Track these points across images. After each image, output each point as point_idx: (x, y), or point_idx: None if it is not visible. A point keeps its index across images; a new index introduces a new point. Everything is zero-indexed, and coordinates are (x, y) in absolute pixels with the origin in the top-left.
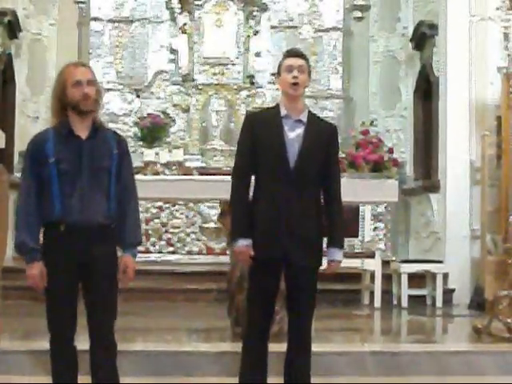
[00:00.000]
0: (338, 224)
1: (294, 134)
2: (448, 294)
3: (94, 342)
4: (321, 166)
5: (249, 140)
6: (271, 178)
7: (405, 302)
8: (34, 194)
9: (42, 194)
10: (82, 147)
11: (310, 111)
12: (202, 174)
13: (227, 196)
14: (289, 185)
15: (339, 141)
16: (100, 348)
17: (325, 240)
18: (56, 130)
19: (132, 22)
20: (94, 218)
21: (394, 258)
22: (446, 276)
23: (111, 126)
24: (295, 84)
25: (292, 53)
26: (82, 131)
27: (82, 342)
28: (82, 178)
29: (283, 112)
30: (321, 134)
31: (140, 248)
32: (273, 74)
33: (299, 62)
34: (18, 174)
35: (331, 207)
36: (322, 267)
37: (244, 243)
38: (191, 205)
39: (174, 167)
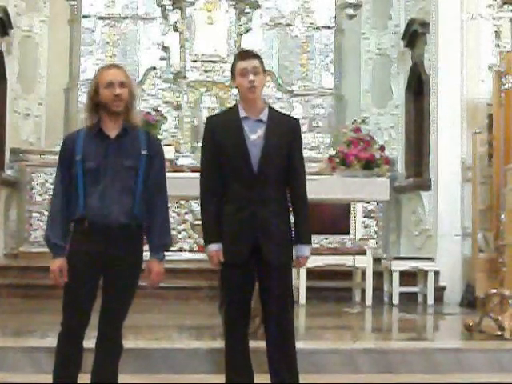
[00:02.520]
0: (305, 220)
1: (255, 136)
2: (439, 291)
3: (101, 340)
4: (285, 163)
5: (211, 145)
6: (236, 180)
7: (396, 300)
8: (61, 192)
9: (71, 190)
10: (109, 146)
11: (270, 108)
12: (193, 172)
13: None
14: (253, 186)
15: (331, 139)
16: (105, 347)
17: None
18: (87, 130)
19: (123, 19)
20: (115, 217)
21: (385, 256)
22: (437, 274)
23: None
24: (252, 87)
25: (244, 55)
26: (112, 130)
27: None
28: (106, 176)
29: (242, 113)
30: (282, 131)
31: None
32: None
33: (253, 63)
34: (9, 172)
35: (297, 203)
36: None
37: (214, 248)
38: (182, 202)
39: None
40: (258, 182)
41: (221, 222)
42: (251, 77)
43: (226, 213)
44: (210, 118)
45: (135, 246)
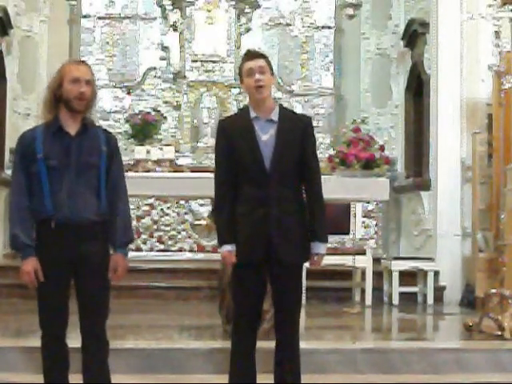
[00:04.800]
0: (320, 218)
1: (266, 136)
2: (439, 291)
3: (86, 340)
4: (298, 162)
5: (225, 147)
6: (249, 181)
7: (396, 300)
8: (24, 190)
9: (32, 190)
10: (71, 143)
11: (281, 107)
12: (193, 172)
13: None
14: (267, 186)
15: (331, 139)
16: (91, 346)
17: None
18: (45, 127)
19: (123, 19)
20: (84, 215)
21: (384, 256)
22: (436, 273)
23: (102, 123)
24: (259, 87)
25: (250, 55)
26: (72, 128)
27: (74, 340)
28: (70, 174)
29: (252, 114)
30: (294, 129)
31: (131, 245)
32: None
33: (259, 63)
34: (8, 171)
35: (312, 202)
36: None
37: (227, 248)
38: (182, 202)
39: (165, 164)
40: (271, 182)
41: (234, 222)
42: (257, 76)
43: (240, 213)
44: (221, 121)
45: (102, 242)
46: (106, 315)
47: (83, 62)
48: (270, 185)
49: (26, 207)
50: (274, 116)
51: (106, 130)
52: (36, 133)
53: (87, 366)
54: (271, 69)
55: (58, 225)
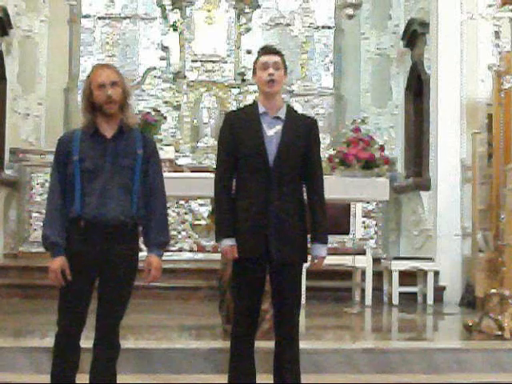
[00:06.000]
0: (321, 220)
1: (272, 132)
2: (439, 291)
3: (98, 340)
4: (302, 161)
5: (229, 140)
6: (251, 176)
7: (396, 300)
8: (58, 191)
9: (65, 189)
10: (106, 146)
11: (288, 106)
12: (193, 172)
13: None
14: (269, 182)
15: (331, 138)
16: (102, 346)
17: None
18: (83, 130)
19: (123, 19)
20: (113, 216)
21: (384, 256)
22: (436, 273)
23: None
24: (271, 81)
25: (267, 50)
26: (108, 131)
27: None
28: (103, 175)
29: (261, 109)
30: (300, 129)
31: None
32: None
33: (274, 58)
34: (9, 172)
35: (313, 203)
36: (306, 264)
37: (228, 243)
38: (182, 202)
39: (165, 164)
40: (274, 178)
41: (234, 216)
42: (271, 70)
43: (241, 208)
44: (228, 114)
45: (131, 245)
46: (121, 317)
47: (107, 64)
48: (272, 180)
49: (57, 207)
50: (282, 114)
51: (143, 133)
52: (73, 136)
53: (95, 366)
54: (285, 68)
55: (87, 224)
